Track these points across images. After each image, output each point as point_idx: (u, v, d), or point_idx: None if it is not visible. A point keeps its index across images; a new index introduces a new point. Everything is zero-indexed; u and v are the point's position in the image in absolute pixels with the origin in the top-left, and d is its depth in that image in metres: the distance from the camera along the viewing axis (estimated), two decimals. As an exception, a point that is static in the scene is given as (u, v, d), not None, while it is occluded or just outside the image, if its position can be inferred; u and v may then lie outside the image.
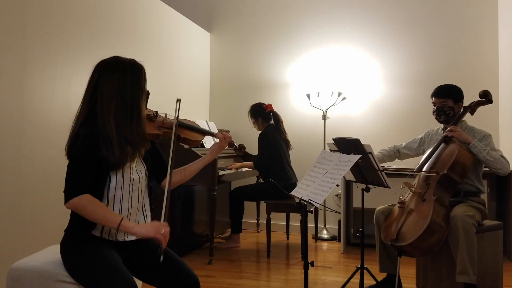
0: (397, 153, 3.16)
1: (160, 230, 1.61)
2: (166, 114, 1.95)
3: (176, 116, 1.83)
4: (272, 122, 4.24)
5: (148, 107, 1.91)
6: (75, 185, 1.59)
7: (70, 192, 1.58)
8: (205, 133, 2.10)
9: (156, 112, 1.95)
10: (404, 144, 3.16)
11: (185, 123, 2.01)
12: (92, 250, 1.63)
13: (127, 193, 1.71)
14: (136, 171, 1.74)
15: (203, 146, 3.99)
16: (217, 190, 3.71)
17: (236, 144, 2.21)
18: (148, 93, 1.81)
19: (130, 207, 1.73)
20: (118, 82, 1.68)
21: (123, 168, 1.67)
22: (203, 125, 4.32)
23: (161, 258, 1.59)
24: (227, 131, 4.95)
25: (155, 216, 1.73)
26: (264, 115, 4.22)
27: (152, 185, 1.89)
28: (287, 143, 4.24)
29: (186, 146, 3.39)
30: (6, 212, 2.54)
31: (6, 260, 2.38)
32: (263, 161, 4.10)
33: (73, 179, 1.60)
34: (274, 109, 4.28)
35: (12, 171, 2.58)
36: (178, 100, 1.81)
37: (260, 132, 4.21)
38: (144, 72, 1.77)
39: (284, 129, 4.25)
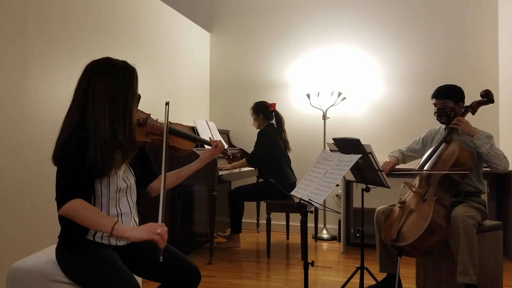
0: (400, 155, 3.07)
1: (155, 230, 1.55)
2: (157, 119, 1.90)
3: (166, 122, 1.77)
4: (273, 121, 4.25)
5: (141, 110, 1.87)
6: (66, 190, 1.55)
7: (62, 198, 1.55)
8: (196, 140, 2.03)
9: (147, 116, 1.89)
10: (405, 148, 3.08)
11: (176, 128, 1.95)
12: (90, 252, 1.62)
13: (114, 201, 1.69)
14: (123, 179, 1.72)
15: (203, 146, 3.97)
16: (217, 190, 3.70)
17: (230, 152, 2.14)
18: (139, 96, 1.77)
19: (120, 213, 1.71)
20: (111, 86, 1.64)
21: (108, 177, 1.65)
22: (203, 125, 4.31)
23: (161, 258, 1.55)
24: (227, 132, 5.02)
25: (153, 218, 1.69)
26: (266, 113, 4.22)
27: (142, 190, 1.87)
28: (286, 143, 4.23)
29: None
30: (6, 212, 2.54)
31: (6, 260, 2.38)
32: (257, 157, 4.09)
33: (64, 185, 1.56)
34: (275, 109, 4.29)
35: (11, 171, 2.58)
36: (167, 104, 1.76)
37: (259, 129, 4.21)
38: (136, 75, 1.73)
39: (285, 130, 4.27)
